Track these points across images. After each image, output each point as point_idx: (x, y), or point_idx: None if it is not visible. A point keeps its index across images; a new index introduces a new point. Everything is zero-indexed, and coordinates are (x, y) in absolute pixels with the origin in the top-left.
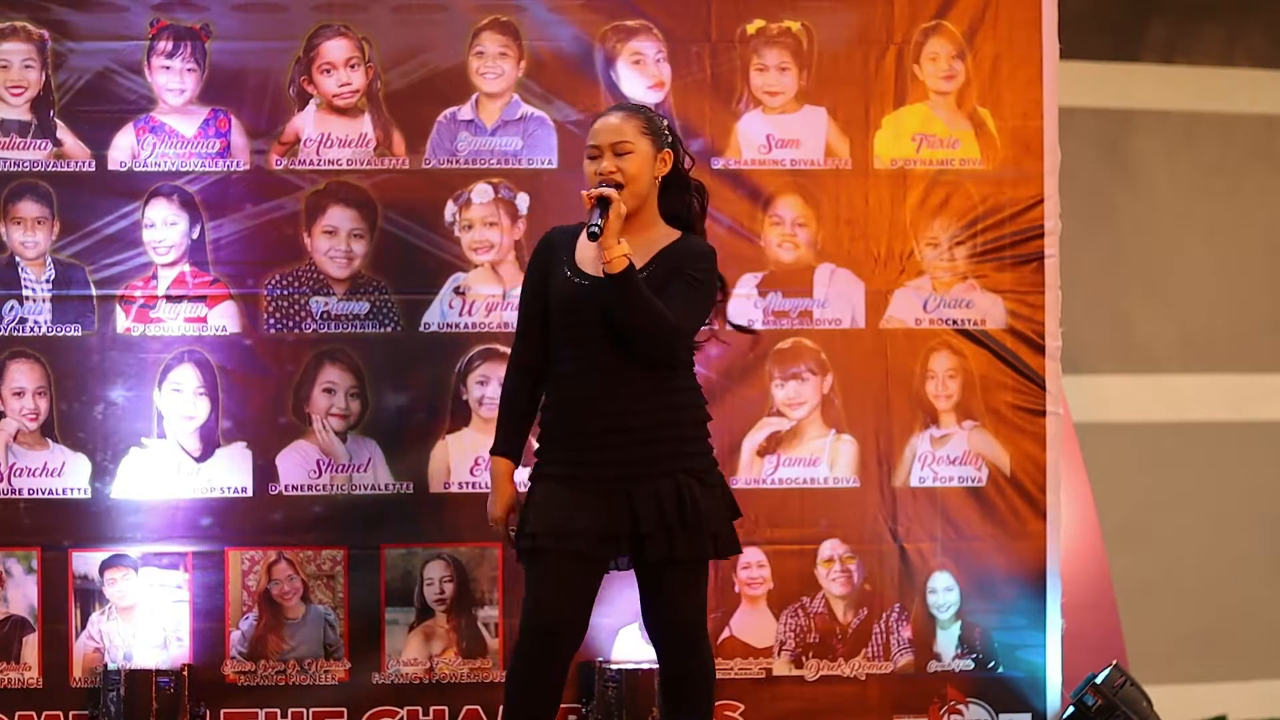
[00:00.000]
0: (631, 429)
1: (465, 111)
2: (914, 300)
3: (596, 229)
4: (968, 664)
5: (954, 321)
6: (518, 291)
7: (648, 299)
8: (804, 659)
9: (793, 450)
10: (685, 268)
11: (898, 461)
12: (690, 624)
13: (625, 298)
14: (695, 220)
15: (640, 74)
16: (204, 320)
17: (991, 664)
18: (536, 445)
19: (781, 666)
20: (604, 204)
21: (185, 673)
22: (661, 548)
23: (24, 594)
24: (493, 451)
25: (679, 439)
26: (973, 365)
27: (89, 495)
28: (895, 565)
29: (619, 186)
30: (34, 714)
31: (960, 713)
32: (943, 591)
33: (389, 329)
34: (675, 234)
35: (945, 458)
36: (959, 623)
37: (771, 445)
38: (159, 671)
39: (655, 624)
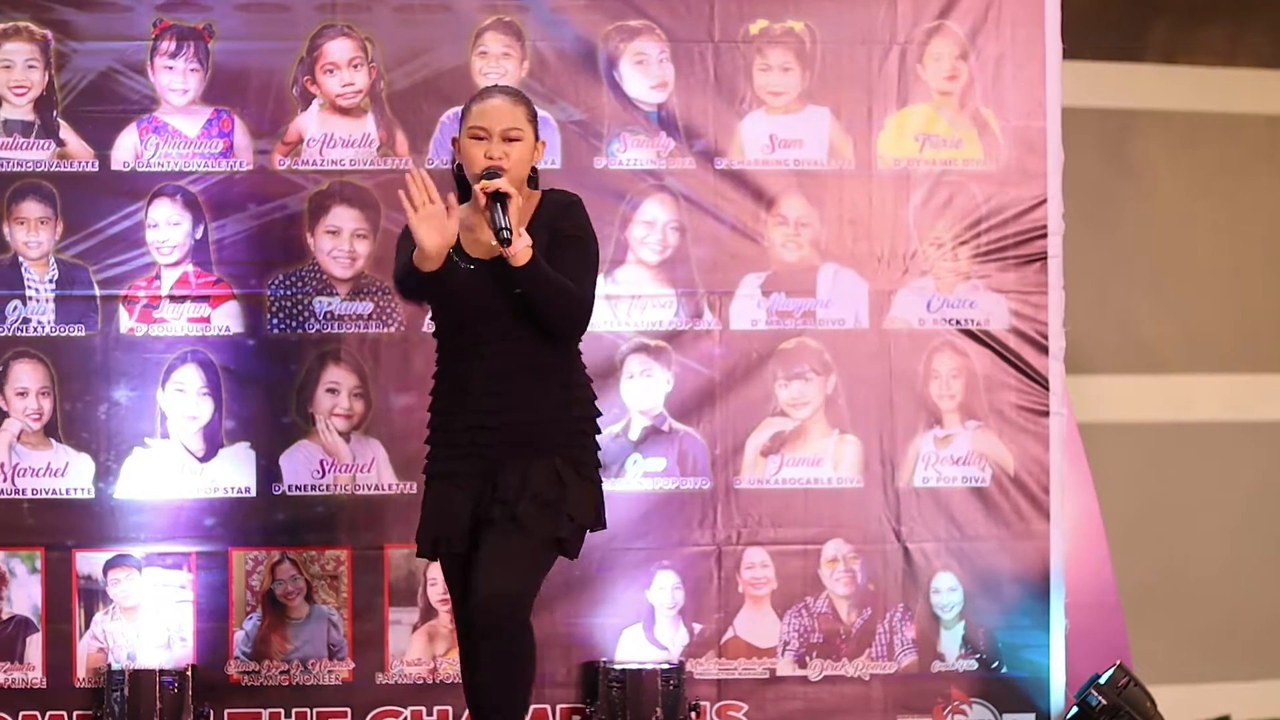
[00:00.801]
0: (513, 414)
1: None
2: (917, 300)
3: (507, 234)
4: (971, 664)
5: (957, 322)
6: None
7: (555, 280)
8: (808, 659)
9: (796, 450)
10: (562, 226)
11: (901, 462)
12: (494, 596)
13: (535, 285)
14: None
15: (643, 74)
16: (207, 320)
17: (995, 664)
18: (426, 441)
19: (785, 666)
20: (501, 199)
21: (189, 673)
22: (507, 512)
23: (28, 594)
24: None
25: (558, 422)
26: (976, 365)
27: (93, 495)
28: (899, 565)
29: (501, 174)
30: (38, 714)
31: (964, 713)
32: (946, 592)
33: (392, 329)
34: (535, 194)
35: (949, 458)
36: (963, 623)
37: (775, 445)
38: (163, 671)
39: (471, 596)
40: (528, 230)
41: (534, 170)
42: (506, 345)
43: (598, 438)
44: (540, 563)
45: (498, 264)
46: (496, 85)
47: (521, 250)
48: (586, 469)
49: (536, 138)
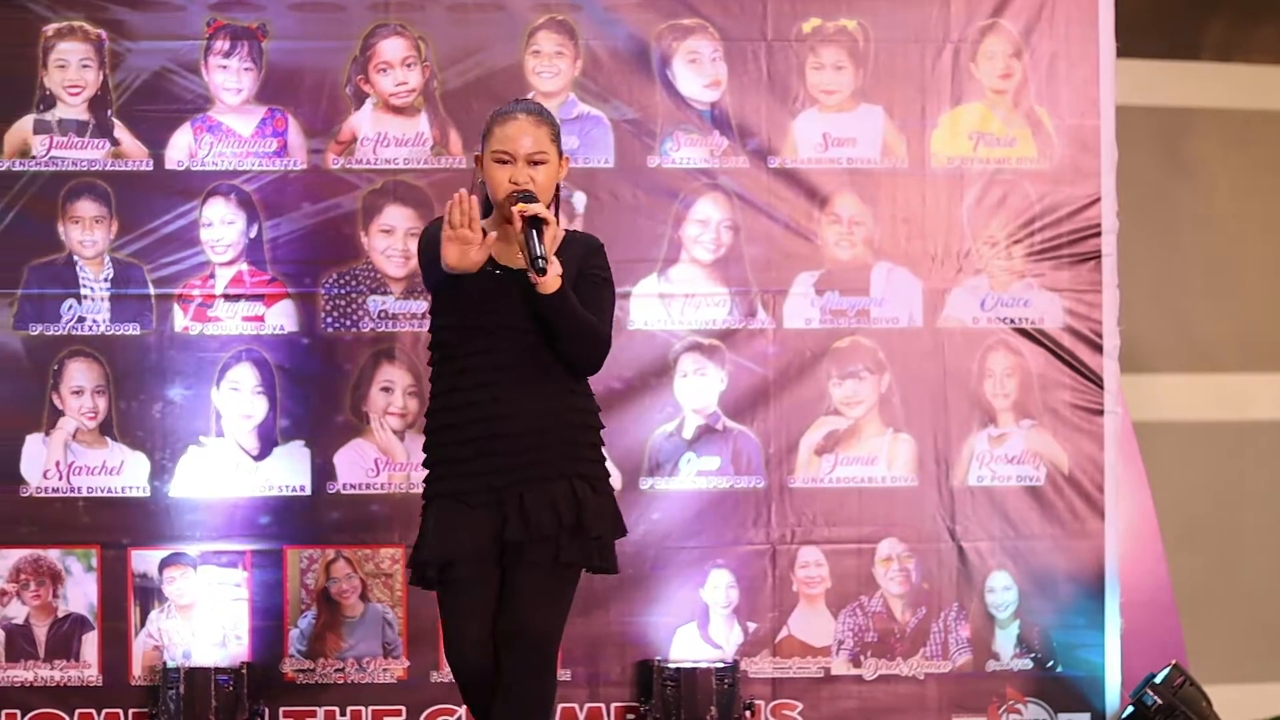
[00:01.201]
0: (527, 430)
1: None
2: (971, 299)
3: (543, 263)
4: (1026, 663)
5: (1011, 320)
6: None
7: (583, 314)
8: (862, 658)
9: (850, 449)
10: (588, 267)
11: (956, 460)
12: (546, 636)
13: (561, 316)
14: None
15: (696, 73)
16: (262, 319)
17: (1050, 663)
18: (425, 455)
19: (840, 665)
20: (538, 224)
21: (244, 671)
22: (550, 550)
23: (83, 592)
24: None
25: (573, 442)
26: (1030, 364)
27: (148, 493)
28: (953, 564)
29: (535, 199)
30: (94, 712)
31: (1019, 712)
32: (1001, 591)
33: None
34: (560, 230)
35: (1003, 457)
36: (1017, 622)
37: (829, 444)
38: (218, 669)
39: (511, 633)
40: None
41: (558, 189)
42: (520, 356)
43: (602, 449)
44: (572, 594)
45: (522, 275)
46: (518, 102)
47: (552, 278)
48: (600, 483)
49: (561, 155)
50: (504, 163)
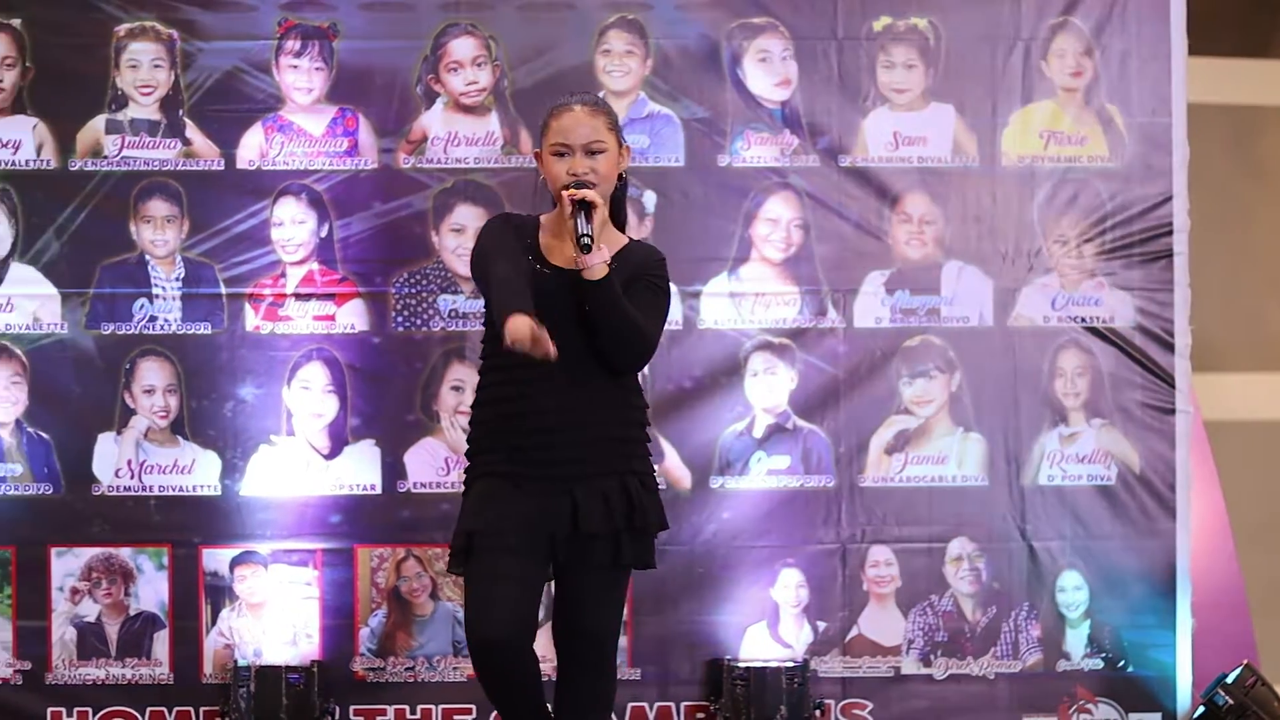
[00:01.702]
0: (581, 426)
1: None
2: (1042, 298)
3: (589, 240)
4: (1097, 663)
5: (1082, 319)
6: None
7: (626, 308)
8: (932, 657)
9: (921, 448)
10: (646, 274)
11: (1026, 460)
12: (606, 635)
13: (605, 305)
14: (621, 211)
15: (767, 71)
16: (332, 318)
17: (1121, 663)
18: (469, 446)
19: (910, 665)
20: (586, 208)
21: (315, 669)
22: (610, 551)
23: (155, 591)
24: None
25: (626, 439)
26: (1101, 363)
27: (219, 492)
28: (1024, 564)
29: (591, 187)
30: (165, 710)
31: (1089, 712)
32: (1072, 590)
33: None
34: (623, 238)
35: (1074, 456)
36: (1088, 621)
37: (899, 443)
38: (289, 668)
39: (570, 634)
40: (613, 263)
41: (621, 179)
42: (572, 353)
43: (649, 444)
44: (625, 595)
45: (576, 276)
46: (574, 94)
47: (598, 265)
48: (649, 479)
49: (620, 144)
50: (562, 155)
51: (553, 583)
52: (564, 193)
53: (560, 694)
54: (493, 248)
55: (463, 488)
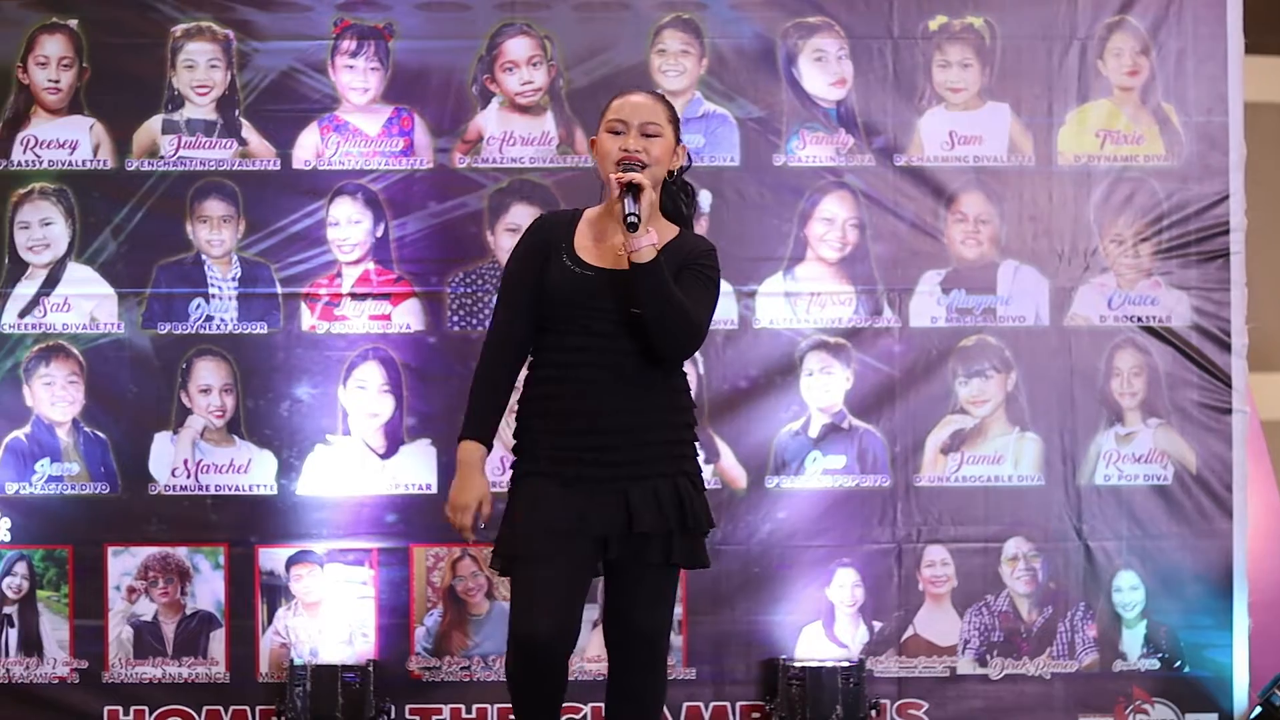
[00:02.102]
0: (630, 428)
1: None
2: (1098, 297)
3: (635, 219)
4: (1153, 663)
5: (1139, 319)
6: None
7: (674, 292)
8: (988, 657)
9: (976, 448)
10: (695, 263)
11: (1082, 459)
12: (658, 633)
13: (652, 289)
14: (685, 221)
15: (822, 71)
16: (388, 318)
17: (1177, 663)
18: (515, 443)
19: (966, 665)
20: (635, 190)
21: (370, 668)
22: (662, 550)
23: (211, 590)
24: (463, 435)
25: (676, 440)
26: (1158, 362)
27: (275, 492)
28: (1080, 564)
29: (643, 167)
30: (221, 709)
31: (1146, 712)
32: (1128, 590)
33: None
34: (674, 229)
35: (1130, 456)
36: (1144, 622)
37: (955, 443)
38: (345, 667)
39: (622, 632)
40: (660, 253)
41: (680, 214)
42: (620, 354)
43: (697, 443)
44: (676, 593)
45: (620, 274)
46: (638, 87)
47: (645, 247)
48: (698, 479)
49: (677, 140)
50: (617, 132)
51: (601, 582)
52: (612, 175)
53: (612, 692)
54: (507, 286)
55: (509, 485)
